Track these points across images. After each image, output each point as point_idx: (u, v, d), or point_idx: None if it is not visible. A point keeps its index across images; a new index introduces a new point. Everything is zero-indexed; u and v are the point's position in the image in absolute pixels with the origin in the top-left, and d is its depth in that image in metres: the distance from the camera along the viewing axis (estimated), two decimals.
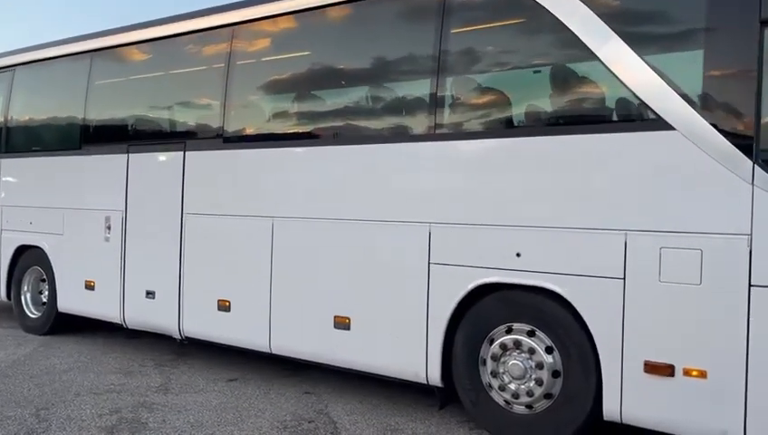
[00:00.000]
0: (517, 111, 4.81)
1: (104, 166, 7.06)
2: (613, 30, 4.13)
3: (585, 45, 4.22)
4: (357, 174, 5.23)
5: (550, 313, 4.37)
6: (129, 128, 7.10)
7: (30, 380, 5.88)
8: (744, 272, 3.70)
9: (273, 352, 5.67)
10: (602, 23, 4.17)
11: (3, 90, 8.37)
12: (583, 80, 4.51)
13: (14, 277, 8.04)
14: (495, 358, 4.59)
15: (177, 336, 6.40)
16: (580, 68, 4.50)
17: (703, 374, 3.82)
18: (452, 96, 4.97)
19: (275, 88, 6.12)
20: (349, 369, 5.30)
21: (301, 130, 5.87)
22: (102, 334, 7.60)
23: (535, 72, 4.95)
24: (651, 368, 3.96)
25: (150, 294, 6.55)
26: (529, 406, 4.48)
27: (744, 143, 3.72)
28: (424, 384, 4.88)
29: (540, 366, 4.42)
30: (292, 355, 5.62)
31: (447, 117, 4.93)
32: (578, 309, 4.22)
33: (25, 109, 8.43)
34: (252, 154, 5.93)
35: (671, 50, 4.22)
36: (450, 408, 5.03)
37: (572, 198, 4.27)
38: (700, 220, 3.83)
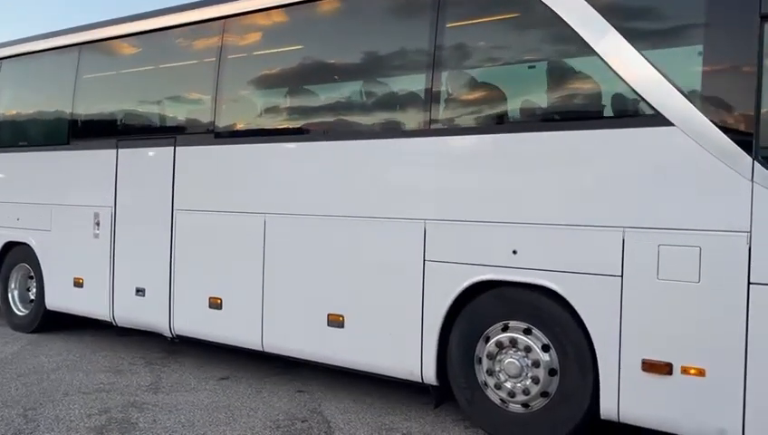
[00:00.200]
0: (513, 107, 4.75)
1: (93, 161, 6.96)
2: (611, 24, 4.08)
3: (583, 40, 4.17)
4: (350, 170, 5.16)
5: (546, 310, 4.33)
6: (119, 123, 7.00)
7: (17, 379, 5.78)
8: (743, 269, 3.67)
9: (266, 350, 5.60)
10: (600, 17, 4.12)
11: None
12: (581, 75, 4.46)
13: (1, 274, 7.92)
14: (491, 356, 4.54)
15: (167, 334, 6.32)
16: (578, 63, 4.44)
17: (701, 373, 3.79)
18: (447, 91, 4.90)
19: (267, 82, 6.03)
20: (342, 367, 5.24)
21: (293, 126, 5.78)
22: (91, 332, 7.50)
23: (530, 67, 4.90)
24: (649, 366, 3.93)
25: (140, 291, 6.46)
26: (525, 405, 4.43)
27: (743, 139, 3.68)
28: (419, 383, 4.83)
29: (536, 364, 4.37)
30: (285, 353, 5.54)
31: (442, 112, 4.87)
32: (575, 307, 4.18)
33: (12, 103, 8.30)
34: (243, 149, 5.85)
35: (670, 45, 4.17)
36: (445, 406, 4.97)
37: (570, 195, 4.22)
38: (699, 217, 3.80)
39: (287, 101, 5.92)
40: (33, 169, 7.63)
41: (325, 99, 5.72)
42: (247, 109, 6.19)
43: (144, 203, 6.47)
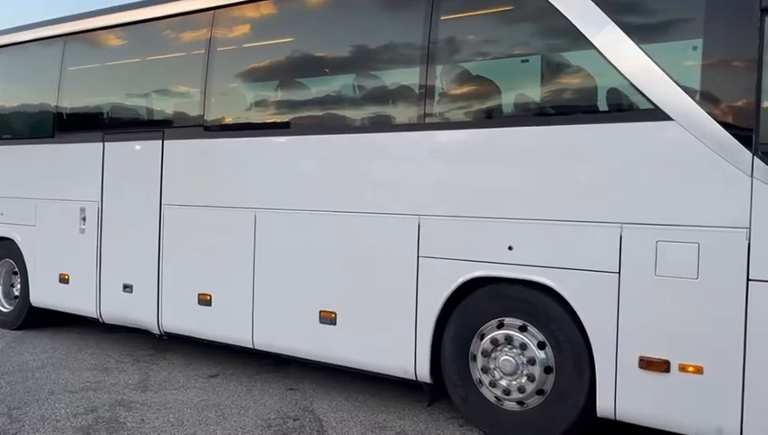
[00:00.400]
0: (509, 101, 4.68)
1: (79, 155, 6.82)
2: (609, 17, 4.02)
3: (581, 33, 4.10)
4: (343, 164, 5.07)
5: (542, 307, 4.27)
6: (105, 115, 6.87)
7: (1, 377, 5.65)
8: (742, 266, 3.63)
9: (256, 347, 5.51)
10: (598, 9, 4.06)
11: None
12: (578, 69, 4.40)
13: None
14: (486, 353, 4.49)
15: (155, 331, 6.21)
16: (575, 56, 4.38)
17: (699, 370, 3.75)
18: (441, 85, 4.82)
19: (258, 75, 5.91)
20: (334, 365, 5.16)
21: (285, 119, 5.67)
22: (77, 329, 7.37)
23: (523, 61, 4.84)
24: (646, 364, 3.88)
25: (128, 287, 6.34)
26: (520, 402, 4.38)
27: (743, 134, 3.64)
28: (412, 380, 4.76)
29: (532, 362, 4.32)
30: (276, 351, 5.46)
31: (437, 106, 4.79)
32: (571, 304, 4.13)
33: None
34: (233, 143, 5.74)
35: (669, 38, 4.11)
36: (439, 404, 4.92)
37: (567, 190, 4.16)
38: (698, 213, 3.75)
39: (278, 95, 5.81)
40: (17, 163, 7.47)
41: (317, 92, 5.62)
42: (237, 102, 6.08)
43: (131, 198, 6.34)
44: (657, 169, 3.89)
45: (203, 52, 5.93)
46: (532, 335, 4.33)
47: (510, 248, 4.31)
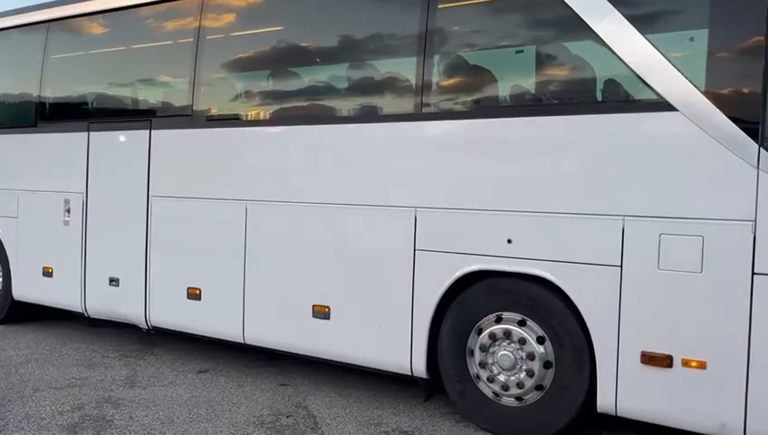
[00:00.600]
0: (509, 91, 4.59)
1: (62, 145, 6.63)
2: (613, 6, 3.92)
3: (583, 22, 4.00)
4: (338, 155, 4.95)
5: (542, 302, 4.19)
6: (90, 104, 6.68)
7: None
8: (747, 260, 3.57)
9: (247, 342, 5.39)
10: None
11: None
12: (580, 58, 4.31)
13: None
14: (484, 348, 4.40)
15: (143, 326, 6.06)
16: (578, 46, 4.29)
17: (702, 365, 3.69)
18: (439, 74, 4.71)
19: (249, 64, 5.76)
20: (328, 360, 5.06)
21: (276, 109, 5.54)
22: (62, 324, 7.19)
23: (518, 51, 4.76)
24: (648, 359, 3.82)
25: (114, 281, 6.19)
26: (519, 398, 4.31)
27: (749, 125, 3.56)
28: (408, 376, 4.67)
29: (531, 357, 4.24)
30: (268, 346, 5.35)
31: (434, 96, 4.68)
32: (572, 298, 4.05)
33: None
34: (224, 133, 5.59)
35: (674, 27, 4.04)
36: (435, 400, 4.83)
37: (568, 182, 4.08)
38: (702, 206, 3.68)
39: (270, 84, 5.67)
40: None
41: (310, 82, 5.49)
42: (228, 91, 5.92)
43: (118, 189, 6.18)
44: (660, 161, 3.81)
45: (192, 40, 5.77)
46: (532, 330, 4.25)
47: (509, 241, 4.22)
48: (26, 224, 6.88)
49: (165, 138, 5.88)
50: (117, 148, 6.23)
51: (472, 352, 4.46)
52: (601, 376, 3.98)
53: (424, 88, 4.62)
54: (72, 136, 6.49)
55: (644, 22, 3.90)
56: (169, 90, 6.21)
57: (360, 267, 4.78)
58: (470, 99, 4.68)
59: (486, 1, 4.60)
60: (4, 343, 6.52)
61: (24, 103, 7.12)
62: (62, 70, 6.94)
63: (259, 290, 5.28)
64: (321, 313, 4.95)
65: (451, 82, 4.77)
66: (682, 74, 3.74)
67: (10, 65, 7.53)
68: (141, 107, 6.39)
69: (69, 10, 6.68)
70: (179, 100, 5.91)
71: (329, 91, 5.34)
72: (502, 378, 4.35)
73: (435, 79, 4.69)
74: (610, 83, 4.13)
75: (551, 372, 4.19)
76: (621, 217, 3.88)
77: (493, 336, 4.37)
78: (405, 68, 4.82)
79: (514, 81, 4.61)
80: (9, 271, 7.03)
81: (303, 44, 5.46)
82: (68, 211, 6.55)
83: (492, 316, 4.38)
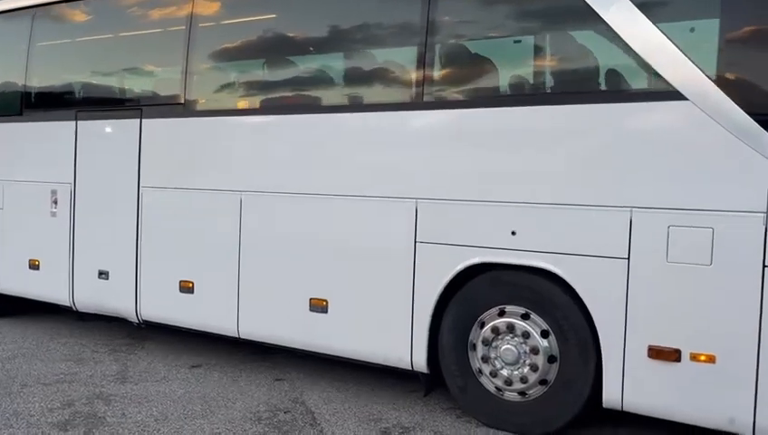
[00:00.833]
0: (512, 80, 4.49)
1: (49, 134, 6.44)
2: None
3: (591, 9, 3.91)
4: (337, 145, 4.82)
5: (546, 295, 4.11)
6: (78, 93, 6.50)
7: None
8: (758, 252, 3.50)
9: (242, 336, 5.27)
10: None
11: None
12: (588, 46, 4.22)
13: None
14: (486, 342, 4.32)
15: (133, 320, 5.92)
16: (586, 33, 4.20)
17: (711, 359, 3.63)
18: (441, 62, 4.60)
19: (244, 51, 5.59)
20: (325, 355, 4.95)
21: (273, 97, 5.41)
22: (49, 318, 7.00)
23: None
24: (656, 353, 3.75)
25: (103, 274, 6.03)
26: (522, 393, 4.23)
27: (761, 116, 3.49)
28: (408, 370, 4.58)
29: (535, 351, 4.16)
30: (263, 340, 5.23)
31: (436, 84, 4.57)
32: (578, 291, 3.97)
33: None
34: (218, 123, 5.45)
35: (685, 14, 3.95)
36: (435, 394, 4.75)
37: (574, 173, 4.00)
38: (712, 197, 3.61)
39: (266, 72, 5.52)
40: None
41: (308, 70, 5.36)
42: (222, 79, 5.78)
43: (107, 179, 6.01)
44: (670, 151, 3.73)
45: (184, 27, 5.61)
46: (536, 324, 4.17)
47: (513, 233, 4.13)
48: (12, 215, 6.69)
49: (156, 127, 5.72)
50: (106, 137, 6.06)
51: (474, 347, 4.37)
52: (607, 371, 3.90)
53: (425, 76, 4.50)
54: (60, 125, 6.31)
55: (653, 9, 3.81)
56: (161, 78, 6.05)
57: (360, 260, 4.67)
58: (472, 88, 4.57)
59: None
60: None
61: (9, 91, 6.91)
62: (48, 57, 6.74)
63: (254, 283, 5.15)
64: (319, 306, 4.84)
65: (453, 70, 4.66)
66: (693, 63, 3.65)
67: None
68: (131, 95, 6.21)
69: None
70: (171, 88, 5.75)
71: (327, 79, 5.21)
72: (505, 372, 4.27)
73: (436, 67, 4.58)
74: (618, 72, 4.05)
75: (555, 366, 4.12)
76: (629, 209, 3.80)
77: (495, 330, 4.28)
78: (406, 56, 4.70)
79: (518, 69, 4.51)
80: None
81: (299, 32, 5.32)
82: (55, 202, 6.38)
83: (494, 310, 4.29)
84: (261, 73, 5.57)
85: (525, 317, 4.20)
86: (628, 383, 3.84)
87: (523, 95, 4.38)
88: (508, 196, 4.16)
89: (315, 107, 5.08)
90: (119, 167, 5.90)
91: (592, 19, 3.93)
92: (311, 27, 5.24)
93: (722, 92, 3.57)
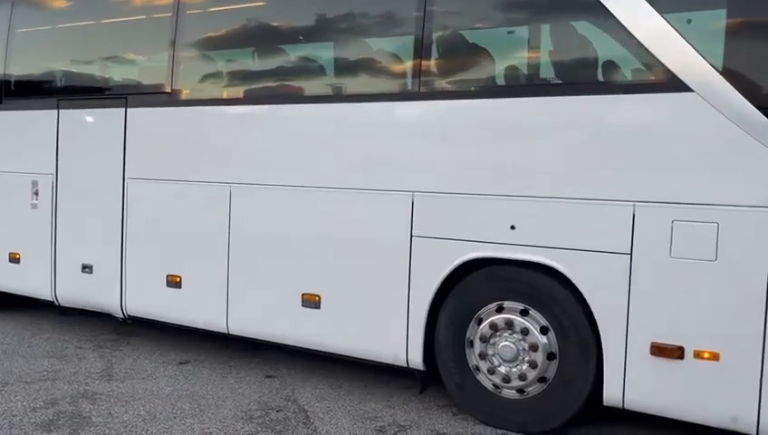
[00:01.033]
0: (513, 70, 4.38)
1: (30, 123, 6.25)
2: None
3: None
4: (331, 136, 4.69)
5: (546, 291, 4.02)
6: (60, 80, 6.29)
7: None
8: (764, 248, 3.43)
9: (232, 332, 5.13)
10: None
11: None
12: (590, 35, 4.11)
13: None
14: (484, 339, 4.22)
15: (118, 315, 5.76)
16: (587, 23, 4.09)
17: (715, 357, 3.56)
18: (439, 50, 4.47)
19: (233, 39, 5.43)
20: (318, 351, 4.84)
21: (264, 86, 5.25)
22: (30, 312, 6.79)
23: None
24: (659, 350, 3.68)
25: (87, 268, 5.85)
26: (520, 390, 4.14)
27: None
28: (404, 367, 4.47)
29: (534, 348, 4.07)
30: (254, 336, 5.10)
31: (434, 74, 4.45)
32: (578, 287, 3.89)
33: None
34: (206, 112, 5.29)
35: (691, 4, 3.86)
36: (430, 391, 4.65)
37: (576, 166, 3.90)
38: (717, 191, 3.53)
39: (257, 60, 5.35)
40: None
41: (300, 59, 5.21)
42: (210, 67, 5.60)
43: (90, 170, 5.83)
44: (674, 144, 3.64)
45: (171, 14, 5.42)
46: (535, 320, 4.08)
47: (512, 228, 4.03)
48: None
49: (142, 116, 5.54)
50: (89, 126, 5.88)
51: (471, 343, 4.27)
52: (608, 368, 3.83)
53: (423, 66, 4.38)
54: (41, 114, 6.11)
55: None
56: (147, 66, 5.86)
57: (354, 254, 4.55)
58: (471, 78, 4.46)
59: None
60: None
61: None
62: (29, 44, 6.52)
63: (245, 278, 5.02)
64: (312, 302, 4.72)
65: (451, 59, 4.54)
66: (698, 53, 3.56)
67: None
68: (116, 84, 6.02)
69: None
70: (157, 76, 5.57)
71: (320, 69, 5.06)
72: (503, 370, 4.18)
73: (433, 56, 4.45)
74: (622, 63, 3.95)
75: (554, 363, 4.03)
76: (632, 203, 3.72)
77: (494, 326, 4.19)
78: (402, 45, 4.58)
79: (516, 60, 4.40)
80: None
81: (290, 20, 5.16)
82: (36, 193, 6.19)
83: (492, 306, 4.20)
84: (251, 62, 5.40)
85: (524, 313, 4.11)
86: (630, 381, 3.77)
87: (523, 86, 4.28)
88: (507, 189, 4.05)
89: (308, 97, 4.94)
90: (103, 157, 5.72)
91: (595, 8, 3.82)
92: (303, 15, 5.08)
93: (728, 84, 3.49)
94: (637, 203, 3.71)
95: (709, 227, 3.53)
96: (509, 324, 4.15)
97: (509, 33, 4.48)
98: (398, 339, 4.42)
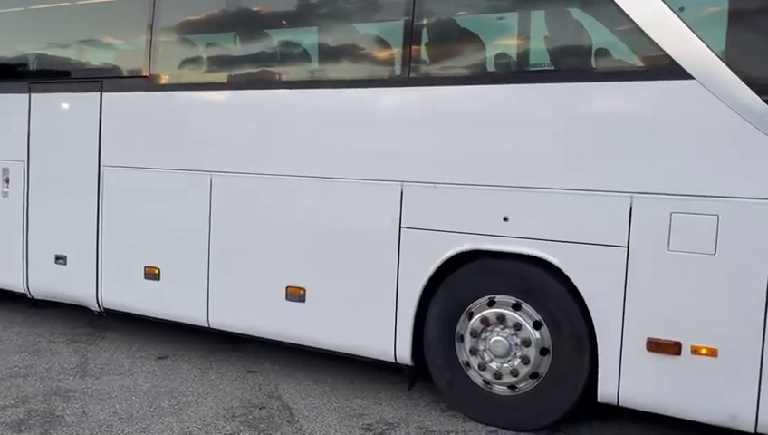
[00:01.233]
0: (508, 56, 4.24)
1: None
2: None
3: None
4: (317, 124, 4.51)
5: (539, 284, 3.90)
6: (32, 63, 6.03)
7: None
8: (765, 241, 3.33)
9: (212, 326, 4.96)
10: None
11: None
12: (583, 20, 3.97)
13: None
14: (475, 334, 4.09)
15: (94, 308, 5.55)
16: (582, 6, 3.95)
17: (713, 353, 3.46)
18: (429, 35, 4.31)
19: (215, 22, 5.20)
20: (302, 346, 4.68)
21: (246, 71, 5.05)
22: (1, 305, 6.54)
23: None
24: (655, 346, 3.58)
25: (61, 259, 5.63)
26: (512, 386, 4.02)
27: None
28: (392, 363, 4.33)
29: (526, 343, 3.95)
30: (235, 330, 4.92)
31: (424, 60, 4.29)
32: (573, 280, 3.77)
33: None
34: (185, 97, 5.08)
35: None
36: (418, 387, 4.51)
37: (571, 156, 3.77)
38: (718, 182, 3.42)
39: (239, 44, 5.16)
40: None
41: (285, 42, 5.01)
42: (191, 50, 5.36)
43: (64, 158, 5.59)
44: (673, 134, 3.53)
45: None
46: (527, 314, 3.96)
47: (505, 219, 3.90)
48: None
49: (118, 101, 5.32)
50: (63, 112, 5.64)
51: (462, 338, 4.14)
52: (603, 364, 3.72)
53: (411, 50, 4.21)
54: (11, 97, 5.86)
55: None
56: (123, 49, 5.62)
57: (340, 246, 4.39)
58: (462, 64, 4.31)
59: None
60: None
61: None
62: None
63: (226, 270, 4.84)
64: (296, 295, 4.55)
65: (442, 45, 4.38)
66: (699, 39, 3.44)
67: None
68: (91, 67, 5.78)
69: None
70: (135, 60, 5.34)
71: (306, 52, 4.88)
72: (494, 365, 4.05)
73: (423, 41, 4.29)
74: (619, 48, 3.83)
75: (547, 358, 3.92)
76: (629, 195, 3.60)
77: (485, 321, 4.06)
78: (390, 29, 4.41)
79: (510, 46, 4.25)
80: None
81: (274, 3, 4.94)
82: (6, 181, 5.95)
83: (484, 299, 4.07)
84: (233, 46, 5.20)
85: (516, 307, 3.98)
86: (625, 377, 3.67)
87: (517, 72, 4.13)
88: (500, 179, 3.92)
89: (292, 82, 4.75)
90: (77, 144, 5.50)
91: None
92: None
93: (730, 71, 3.37)
94: (634, 194, 3.59)
95: (709, 220, 3.43)
96: (501, 319, 4.02)
97: (502, 18, 4.32)
98: (385, 334, 4.28)
